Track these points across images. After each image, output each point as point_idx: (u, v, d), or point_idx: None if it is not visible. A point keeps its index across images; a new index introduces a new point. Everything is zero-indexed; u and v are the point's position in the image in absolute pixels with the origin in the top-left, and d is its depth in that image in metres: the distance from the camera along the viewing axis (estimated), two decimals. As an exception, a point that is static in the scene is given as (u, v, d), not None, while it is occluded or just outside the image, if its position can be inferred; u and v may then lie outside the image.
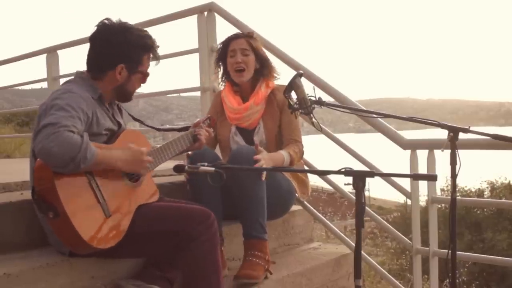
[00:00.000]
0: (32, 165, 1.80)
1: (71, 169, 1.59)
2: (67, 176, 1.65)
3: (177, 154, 2.14)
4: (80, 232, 1.65)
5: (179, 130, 2.26)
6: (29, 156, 1.87)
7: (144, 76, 2.01)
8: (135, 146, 1.83)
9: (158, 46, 2.02)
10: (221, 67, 2.64)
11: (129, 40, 1.92)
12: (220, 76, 2.66)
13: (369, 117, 2.53)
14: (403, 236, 2.74)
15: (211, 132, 2.32)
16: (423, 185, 2.39)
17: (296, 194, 2.60)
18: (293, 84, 1.92)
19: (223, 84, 2.68)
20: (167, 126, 2.97)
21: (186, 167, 1.72)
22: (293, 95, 1.95)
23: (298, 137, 2.55)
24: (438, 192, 5.52)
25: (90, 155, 1.61)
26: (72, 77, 1.98)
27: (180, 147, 2.14)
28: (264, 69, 2.57)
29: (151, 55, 2.01)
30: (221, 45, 2.61)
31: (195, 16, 3.34)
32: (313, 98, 1.92)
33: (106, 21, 1.95)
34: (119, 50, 1.92)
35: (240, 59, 2.50)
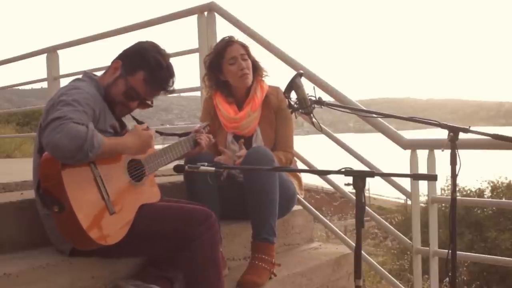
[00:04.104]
0: (36, 161, 1.81)
1: (79, 159, 1.60)
2: (74, 172, 1.66)
3: (178, 157, 2.16)
4: (85, 226, 1.66)
5: (180, 135, 2.27)
6: (33, 153, 1.89)
7: (128, 91, 1.93)
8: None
9: (164, 82, 1.98)
10: (212, 77, 2.53)
11: (140, 46, 1.96)
12: (210, 85, 2.56)
13: (369, 117, 2.53)
14: (403, 236, 2.74)
15: (211, 138, 2.33)
16: (423, 185, 2.39)
17: (298, 196, 2.60)
18: (293, 84, 1.92)
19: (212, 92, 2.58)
20: (167, 126, 2.98)
21: (186, 167, 1.72)
22: (293, 95, 1.94)
23: (290, 147, 2.54)
24: (438, 192, 5.52)
25: (97, 143, 1.62)
26: (79, 76, 1.99)
27: (181, 150, 2.16)
28: (256, 70, 2.53)
29: (149, 82, 1.94)
30: (212, 55, 2.51)
31: (195, 16, 3.33)
32: (313, 98, 1.92)
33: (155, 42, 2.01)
34: (129, 50, 1.97)
35: (244, 64, 2.45)
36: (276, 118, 2.53)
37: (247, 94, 2.53)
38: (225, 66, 2.47)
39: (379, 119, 2.54)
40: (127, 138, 1.84)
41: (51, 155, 1.62)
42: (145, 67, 1.93)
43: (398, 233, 2.76)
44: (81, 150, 1.58)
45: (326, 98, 2.16)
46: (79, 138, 1.57)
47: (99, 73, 2.04)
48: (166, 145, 2.15)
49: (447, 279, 1.95)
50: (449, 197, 1.95)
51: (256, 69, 2.54)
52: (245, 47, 2.50)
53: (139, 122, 2.20)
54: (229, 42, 2.49)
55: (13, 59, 5.19)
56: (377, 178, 1.65)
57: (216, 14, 3.26)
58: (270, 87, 2.58)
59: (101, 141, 1.65)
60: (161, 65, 1.95)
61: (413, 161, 2.49)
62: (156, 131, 2.53)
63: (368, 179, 1.50)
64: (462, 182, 13.13)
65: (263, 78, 2.57)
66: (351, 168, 1.52)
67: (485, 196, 14.13)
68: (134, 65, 1.94)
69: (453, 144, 1.88)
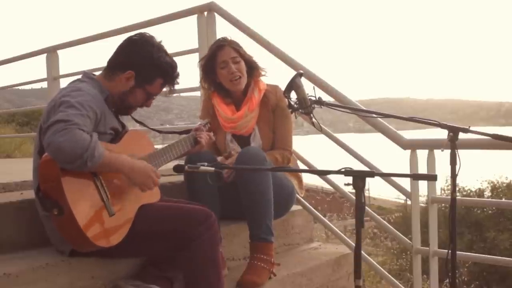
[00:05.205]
0: (36, 162, 1.81)
1: (77, 166, 1.60)
2: (73, 173, 1.66)
3: (178, 156, 2.16)
4: (84, 229, 1.66)
5: (180, 133, 2.27)
6: (33, 154, 1.88)
7: (148, 96, 2.02)
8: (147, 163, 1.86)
9: (177, 79, 2.04)
10: (208, 80, 2.55)
11: (153, 56, 1.95)
12: (208, 87, 2.57)
13: (369, 117, 2.53)
14: (403, 236, 2.74)
15: (212, 136, 2.33)
16: (423, 185, 2.40)
17: (297, 195, 2.60)
18: (293, 84, 1.91)
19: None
20: (167, 126, 2.98)
21: (186, 167, 1.72)
22: (293, 95, 1.94)
23: (288, 145, 2.53)
24: (438, 192, 5.51)
25: (97, 154, 1.62)
26: (79, 76, 1.99)
27: (182, 149, 2.16)
28: (253, 71, 2.52)
29: (165, 84, 2.02)
30: (205, 60, 2.52)
31: (195, 16, 3.33)
32: (313, 98, 1.92)
33: (147, 34, 2.00)
34: (138, 58, 1.95)
35: (234, 68, 2.44)
36: (274, 116, 2.53)
37: (244, 94, 2.53)
38: (218, 70, 2.48)
39: (379, 119, 2.54)
40: (129, 159, 1.78)
41: (51, 156, 1.62)
42: (162, 75, 2.00)
43: (398, 233, 2.76)
44: (80, 157, 1.58)
45: (326, 98, 2.17)
46: (81, 146, 1.57)
47: (98, 73, 2.03)
48: (166, 145, 2.14)
49: (447, 279, 1.95)
50: (449, 197, 1.96)
51: (253, 69, 2.52)
52: (236, 49, 2.48)
53: (138, 122, 2.21)
54: (219, 46, 2.48)
55: (13, 59, 5.19)
56: (377, 178, 1.65)
57: (216, 14, 3.26)
58: (268, 86, 2.57)
59: (102, 153, 1.65)
60: (174, 66, 2.02)
61: (413, 161, 2.49)
62: (156, 130, 2.54)
63: (368, 179, 1.51)
64: (462, 182, 13.13)
65: (261, 78, 2.56)
66: (351, 168, 1.52)
67: (485, 196, 14.12)
68: (151, 75, 1.97)
69: (453, 144, 1.88)
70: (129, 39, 2.00)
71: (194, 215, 1.90)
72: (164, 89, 2.09)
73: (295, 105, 1.92)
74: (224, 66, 2.45)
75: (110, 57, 2.00)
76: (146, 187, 1.82)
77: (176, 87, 2.09)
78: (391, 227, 2.82)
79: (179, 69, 2.05)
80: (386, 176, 2.43)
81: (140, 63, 1.95)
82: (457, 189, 1.98)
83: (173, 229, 1.86)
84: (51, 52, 4.57)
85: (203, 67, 2.54)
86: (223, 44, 2.49)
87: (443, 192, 12.17)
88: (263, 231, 2.22)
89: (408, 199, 2.66)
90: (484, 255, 3.18)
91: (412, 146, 2.49)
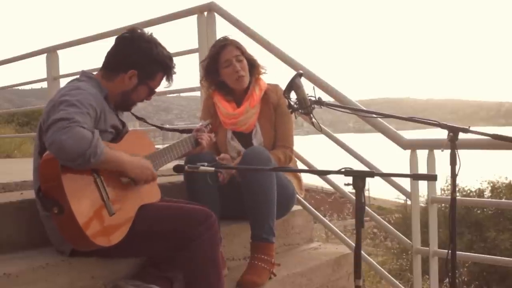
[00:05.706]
0: (36, 162, 1.81)
1: (80, 163, 1.60)
2: (73, 173, 1.66)
3: (179, 157, 2.17)
4: (84, 228, 1.66)
5: (181, 131, 2.27)
6: (33, 154, 1.88)
7: (150, 92, 2.05)
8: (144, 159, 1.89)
9: (175, 69, 2.07)
10: (209, 79, 2.55)
11: (151, 52, 1.97)
12: (209, 86, 2.57)
13: (369, 117, 2.53)
14: (403, 236, 2.74)
15: (213, 137, 2.33)
16: (423, 185, 2.40)
17: (297, 195, 2.60)
18: (293, 84, 1.91)
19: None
20: (168, 126, 2.97)
21: (186, 167, 1.72)
22: (293, 95, 1.94)
23: (289, 143, 2.53)
24: (438, 192, 5.51)
25: (100, 151, 1.63)
26: (78, 76, 1.99)
27: (182, 150, 2.17)
28: (254, 69, 2.53)
29: (165, 76, 2.05)
30: (208, 59, 2.52)
31: (195, 16, 3.33)
32: (313, 98, 1.92)
33: (138, 30, 2.02)
34: (138, 57, 1.96)
35: (238, 66, 2.45)
36: (275, 114, 2.53)
37: (245, 92, 2.54)
38: (221, 69, 2.49)
39: (379, 119, 2.54)
40: (128, 156, 1.80)
41: (54, 155, 1.62)
42: (163, 69, 2.03)
43: (398, 233, 2.76)
44: (83, 155, 1.58)
45: (326, 98, 2.17)
46: (84, 143, 1.58)
47: (96, 72, 2.03)
48: (166, 145, 2.15)
49: (447, 279, 1.95)
50: (449, 197, 1.95)
51: (254, 67, 2.53)
52: (239, 47, 2.49)
53: (139, 118, 2.22)
54: (222, 46, 2.49)
55: (13, 59, 5.19)
56: (377, 178, 1.65)
57: (216, 14, 3.26)
58: (269, 85, 2.58)
59: (103, 150, 1.65)
60: (171, 58, 2.05)
61: (413, 161, 2.49)
62: (156, 127, 2.54)
63: (368, 179, 1.51)
64: (462, 182, 13.13)
65: (261, 76, 2.57)
66: (351, 168, 1.52)
67: (485, 196, 14.12)
68: (152, 71, 2.00)
69: (453, 144, 1.88)
70: (122, 38, 2.01)
71: (194, 215, 1.90)
72: (164, 88, 2.11)
73: (295, 105, 1.92)
74: (228, 65, 2.46)
75: (105, 58, 2.00)
76: (147, 181, 1.87)
77: (176, 87, 2.11)
78: (391, 227, 2.81)
79: (179, 69, 2.08)
80: (386, 176, 2.43)
81: (141, 61, 1.96)
82: (457, 189, 1.98)
83: (173, 229, 1.86)
84: (51, 52, 4.57)
85: (206, 66, 2.53)
86: (226, 43, 2.49)
87: (443, 192, 12.17)
88: (265, 231, 2.23)
89: (408, 199, 2.66)
90: (484, 255, 3.18)
91: (412, 146, 2.49)
